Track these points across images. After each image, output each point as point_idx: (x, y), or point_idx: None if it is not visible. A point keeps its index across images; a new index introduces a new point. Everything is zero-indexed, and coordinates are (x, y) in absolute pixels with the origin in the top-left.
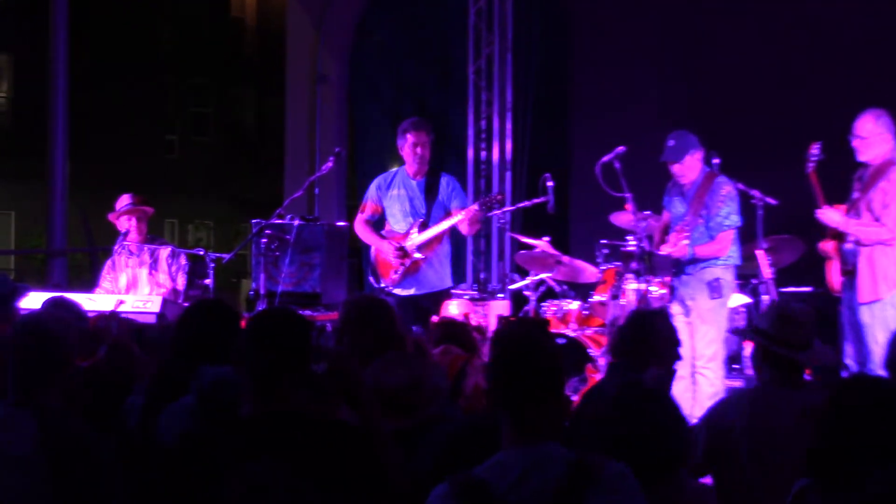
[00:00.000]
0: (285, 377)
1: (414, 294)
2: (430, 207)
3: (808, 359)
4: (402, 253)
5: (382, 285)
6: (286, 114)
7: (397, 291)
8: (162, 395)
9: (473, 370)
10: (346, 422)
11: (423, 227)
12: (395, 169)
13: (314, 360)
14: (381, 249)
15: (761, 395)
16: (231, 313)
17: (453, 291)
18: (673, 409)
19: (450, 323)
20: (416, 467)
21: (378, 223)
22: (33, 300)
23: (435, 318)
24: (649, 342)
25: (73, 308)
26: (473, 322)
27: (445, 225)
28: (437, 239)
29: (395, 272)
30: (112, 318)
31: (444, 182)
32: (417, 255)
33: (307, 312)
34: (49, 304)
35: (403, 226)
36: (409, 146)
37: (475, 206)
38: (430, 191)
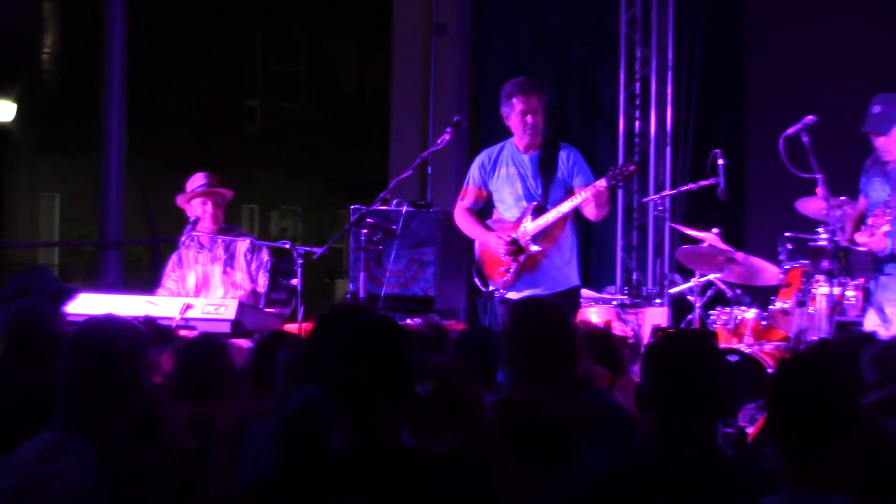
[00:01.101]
0: (384, 402)
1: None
2: (546, 188)
3: None
4: (516, 247)
5: (491, 288)
6: (393, 74)
7: (511, 296)
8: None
9: (620, 393)
10: (461, 455)
11: (539, 211)
12: (499, 143)
13: (418, 379)
14: (487, 244)
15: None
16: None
17: (597, 295)
18: None
19: (589, 335)
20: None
21: (484, 211)
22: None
23: None
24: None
25: None
26: (617, 332)
27: (566, 207)
28: (558, 226)
29: (507, 271)
30: (147, 324)
31: (564, 155)
32: (534, 248)
33: (417, 321)
34: None
35: (515, 212)
36: (517, 115)
37: (602, 182)
38: (545, 167)
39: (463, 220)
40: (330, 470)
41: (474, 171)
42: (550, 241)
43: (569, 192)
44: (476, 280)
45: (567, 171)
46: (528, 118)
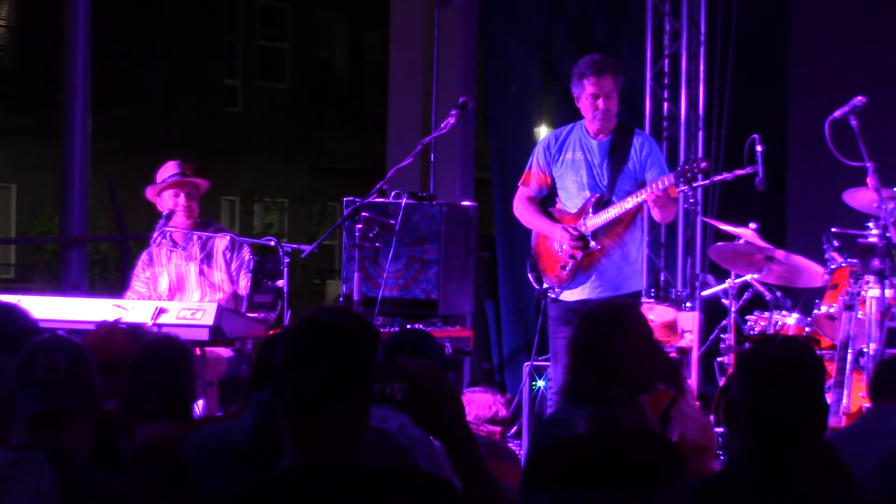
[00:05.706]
0: (338, 413)
1: (588, 299)
2: (614, 178)
3: None
4: (583, 242)
5: (545, 287)
6: (391, 49)
7: (565, 296)
8: None
9: (680, 417)
10: (431, 472)
11: (601, 204)
12: (569, 125)
13: (387, 380)
14: (551, 236)
15: None
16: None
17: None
18: None
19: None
20: None
21: (546, 201)
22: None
23: None
24: None
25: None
26: (679, 343)
27: (629, 203)
28: (623, 222)
29: (564, 268)
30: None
31: (638, 143)
32: (593, 244)
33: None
34: None
35: (578, 202)
36: (588, 97)
37: (668, 179)
38: (615, 155)
39: (522, 210)
40: (276, 487)
41: (539, 153)
42: (613, 238)
43: (639, 186)
44: (529, 276)
45: (639, 163)
46: (600, 102)
